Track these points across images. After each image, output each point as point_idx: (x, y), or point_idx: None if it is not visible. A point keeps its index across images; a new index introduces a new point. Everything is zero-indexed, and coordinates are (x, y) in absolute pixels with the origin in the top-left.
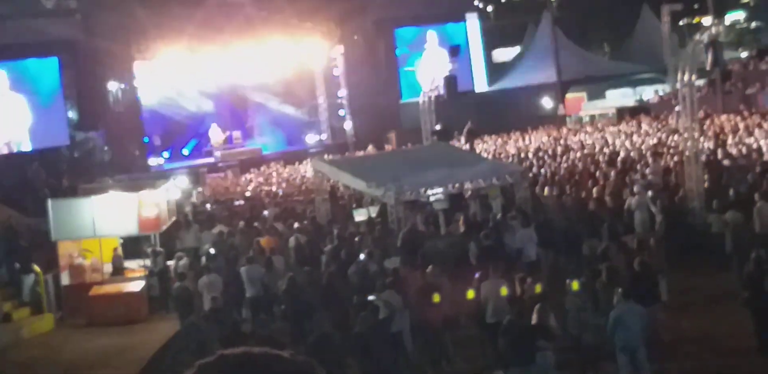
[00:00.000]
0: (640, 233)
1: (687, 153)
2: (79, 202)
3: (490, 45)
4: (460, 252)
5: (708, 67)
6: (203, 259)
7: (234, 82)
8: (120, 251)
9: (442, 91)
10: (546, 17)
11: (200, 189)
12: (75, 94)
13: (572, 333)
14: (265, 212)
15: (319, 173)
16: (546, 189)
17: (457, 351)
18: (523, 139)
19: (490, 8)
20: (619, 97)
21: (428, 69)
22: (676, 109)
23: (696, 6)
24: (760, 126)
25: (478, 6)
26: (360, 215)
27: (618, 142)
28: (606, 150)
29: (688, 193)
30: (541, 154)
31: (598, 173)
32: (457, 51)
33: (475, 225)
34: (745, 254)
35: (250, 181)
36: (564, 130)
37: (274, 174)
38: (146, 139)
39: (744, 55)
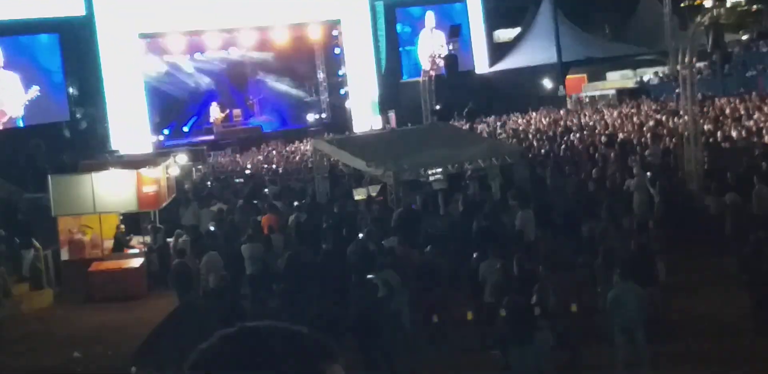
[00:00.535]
0: (638, 214)
1: (686, 135)
2: (79, 178)
3: (491, 25)
4: (459, 232)
5: (709, 49)
6: (203, 237)
7: (235, 59)
8: (123, 228)
9: (442, 71)
10: None
11: (200, 166)
12: (75, 70)
13: None
14: (265, 190)
15: (318, 152)
16: (545, 170)
17: (455, 330)
18: (524, 120)
19: None
20: (620, 78)
21: (427, 49)
22: (677, 91)
23: None
24: (760, 109)
25: None
26: (359, 194)
27: (617, 124)
28: (606, 131)
29: (687, 175)
30: (540, 134)
31: (597, 154)
32: (457, 31)
33: (474, 206)
34: (744, 236)
35: (250, 158)
36: (564, 111)
37: (274, 152)
38: (147, 116)
39: (745, 37)
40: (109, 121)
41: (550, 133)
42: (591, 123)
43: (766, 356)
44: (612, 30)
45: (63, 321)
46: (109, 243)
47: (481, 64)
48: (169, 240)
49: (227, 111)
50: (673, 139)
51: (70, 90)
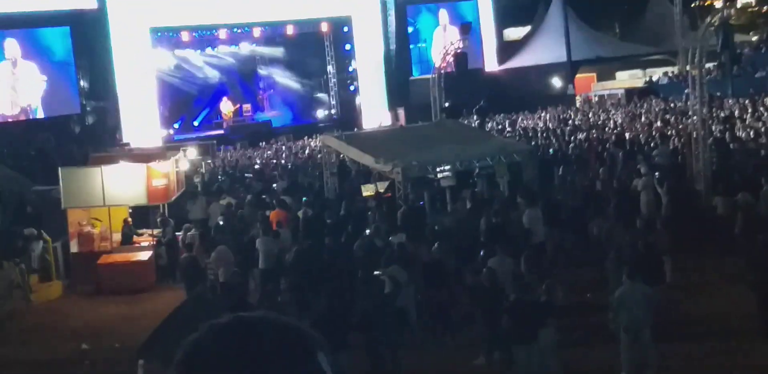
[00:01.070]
0: (646, 214)
1: (695, 135)
2: (89, 171)
3: (501, 23)
4: (466, 229)
5: (718, 50)
6: (212, 231)
7: (245, 54)
8: (130, 220)
9: (452, 69)
10: None
11: (210, 160)
12: (86, 63)
13: None
14: (274, 185)
15: (327, 148)
16: (553, 169)
17: (461, 327)
18: (532, 118)
19: None
20: (629, 78)
21: (439, 46)
22: (686, 91)
23: None
24: None
25: None
26: (368, 190)
27: (626, 123)
28: (614, 131)
29: (695, 175)
30: (549, 133)
31: (605, 154)
32: (468, 28)
33: (481, 203)
34: (753, 236)
35: (260, 153)
36: (573, 110)
37: (284, 147)
38: (157, 110)
39: (755, 38)
40: (120, 114)
41: (559, 132)
42: (599, 122)
43: None
44: (622, 29)
45: (72, 313)
46: (118, 236)
47: (491, 62)
48: (178, 233)
49: (237, 106)
50: (682, 139)
51: (81, 83)
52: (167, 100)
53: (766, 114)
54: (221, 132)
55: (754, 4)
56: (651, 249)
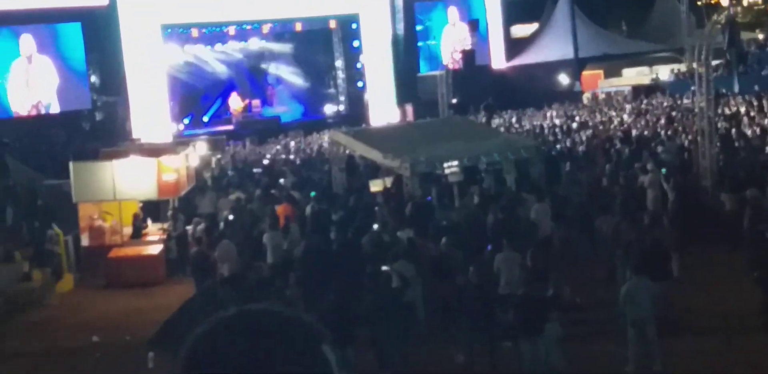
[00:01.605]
0: (652, 210)
1: (701, 132)
2: (100, 166)
3: (508, 20)
4: (474, 225)
5: (725, 47)
6: (221, 225)
7: (255, 50)
8: (140, 213)
9: (460, 65)
10: None
11: (219, 156)
12: (98, 59)
13: None
14: (281, 180)
15: (336, 143)
16: (560, 165)
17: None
18: (539, 115)
19: None
20: (636, 75)
21: (448, 43)
22: (692, 88)
23: None
24: None
25: None
26: (376, 186)
27: (632, 120)
28: (620, 127)
29: (701, 172)
30: (556, 129)
31: (612, 150)
32: (475, 25)
33: (489, 199)
34: (760, 232)
35: (269, 149)
36: (579, 107)
37: (292, 143)
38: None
39: (761, 36)
40: (130, 109)
41: (565, 129)
42: (606, 119)
43: None
44: (629, 27)
45: (82, 307)
46: (129, 230)
47: (498, 59)
48: (188, 227)
49: (247, 101)
50: (688, 137)
51: (92, 78)
52: (177, 95)
53: None
54: (230, 127)
55: (760, 2)
56: (659, 245)
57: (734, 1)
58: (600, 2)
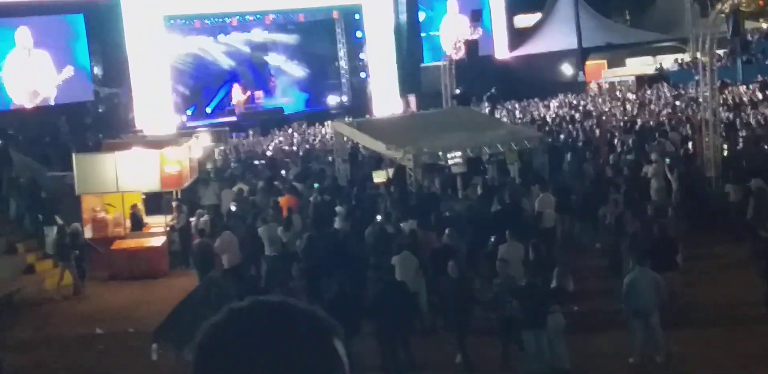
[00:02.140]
0: (656, 200)
1: (705, 122)
2: (102, 157)
3: (511, 10)
4: (477, 216)
5: (728, 37)
6: (224, 217)
7: (257, 41)
8: (140, 206)
9: (463, 56)
10: None
11: (222, 147)
12: (100, 50)
13: None
14: (283, 171)
15: (339, 134)
16: (564, 156)
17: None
18: (543, 105)
19: None
20: (639, 65)
21: (450, 33)
22: (696, 78)
23: None
24: None
25: None
26: (379, 177)
27: (636, 110)
28: (624, 117)
29: (705, 162)
30: (559, 120)
31: (615, 140)
32: (478, 15)
33: (492, 189)
34: (764, 222)
35: (272, 140)
36: (583, 97)
37: (296, 134)
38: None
39: (765, 25)
40: (133, 101)
41: (569, 118)
42: (610, 109)
43: None
44: (632, 16)
45: (85, 298)
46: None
47: (501, 50)
48: (191, 219)
49: (249, 92)
50: (692, 126)
51: (95, 70)
52: (180, 86)
53: None
54: (233, 118)
55: None
56: (665, 235)
57: None
58: None
